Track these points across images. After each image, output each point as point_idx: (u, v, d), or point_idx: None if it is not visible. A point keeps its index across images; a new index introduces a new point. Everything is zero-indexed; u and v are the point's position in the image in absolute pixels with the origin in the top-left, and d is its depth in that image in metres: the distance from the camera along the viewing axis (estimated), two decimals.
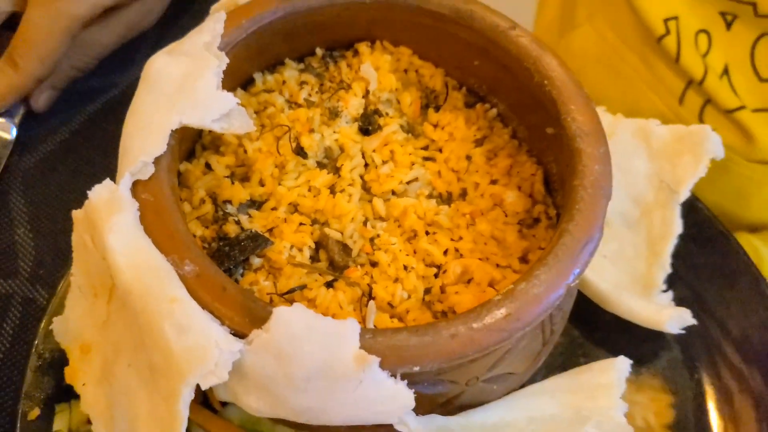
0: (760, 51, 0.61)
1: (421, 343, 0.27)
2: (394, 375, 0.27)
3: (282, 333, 0.27)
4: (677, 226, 0.43)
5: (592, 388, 0.34)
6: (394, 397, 0.27)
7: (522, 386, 0.34)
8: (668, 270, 0.42)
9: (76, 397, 0.33)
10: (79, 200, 0.30)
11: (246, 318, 0.27)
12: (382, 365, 0.27)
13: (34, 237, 0.43)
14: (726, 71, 0.63)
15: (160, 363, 0.27)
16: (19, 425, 0.35)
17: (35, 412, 0.35)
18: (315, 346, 0.27)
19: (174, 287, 0.27)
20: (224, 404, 0.34)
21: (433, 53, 0.39)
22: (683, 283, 0.43)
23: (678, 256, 0.43)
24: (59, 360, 0.36)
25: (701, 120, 0.66)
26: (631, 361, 0.35)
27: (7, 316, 0.41)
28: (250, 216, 0.34)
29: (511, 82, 0.36)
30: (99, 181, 0.29)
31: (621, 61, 0.70)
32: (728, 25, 0.62)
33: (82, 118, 0.49)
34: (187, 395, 0.27)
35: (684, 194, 0.44)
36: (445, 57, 0.38)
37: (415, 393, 0.28)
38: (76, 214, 0.30)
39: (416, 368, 0.27)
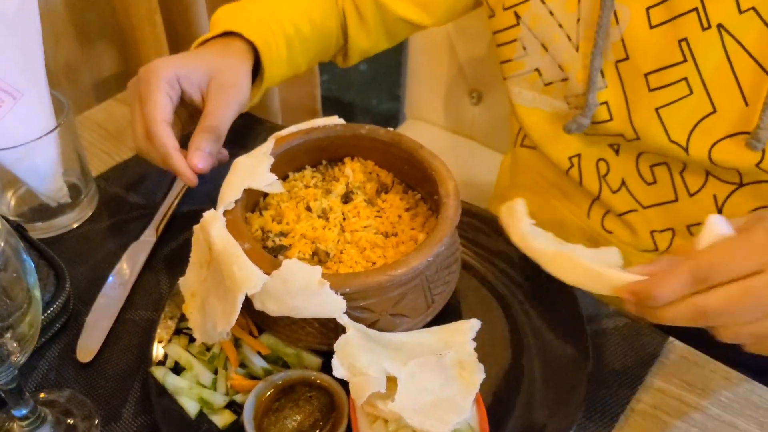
0: (641, 164, 0.77)
1: (350, 277, 0.57)
2: (336, 292, 0.56)
3: (286, 271, 0.57)
4: None
5: (455, 331, 0.61)
6: (336, 303, 0.55)
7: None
8: None
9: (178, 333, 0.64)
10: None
11: (270, 266, 0.57)
12: (331, 287, 0.56)
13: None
14: (623, 183, 0.79)
15: (229, 285, 0.57)
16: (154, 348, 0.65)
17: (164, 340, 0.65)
18: (299, 276, 0.56)
19: (239, 253, 0.58)
20: (260, 333, 0.63)
21: (385, 163, 0.71)
22: None
23: None
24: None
25: (602, 225, 0.84)
26: (480, 322, 0.62)
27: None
28: (281, 238, 0.65)
29: (419, 174, 0.67)
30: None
31: (548, 194, 0.89)
32: (616, 152, 0.79)
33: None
34: (241, 300, 0.56)
35: None
36: (390, 164, 0.71)
37: (350, 316, 0.57)
38: (196, 226, 0.62)
39: (348, 290, 0.56)
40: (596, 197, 0.83)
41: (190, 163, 0.67)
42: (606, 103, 0.73)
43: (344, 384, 0.58)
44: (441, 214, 0.61)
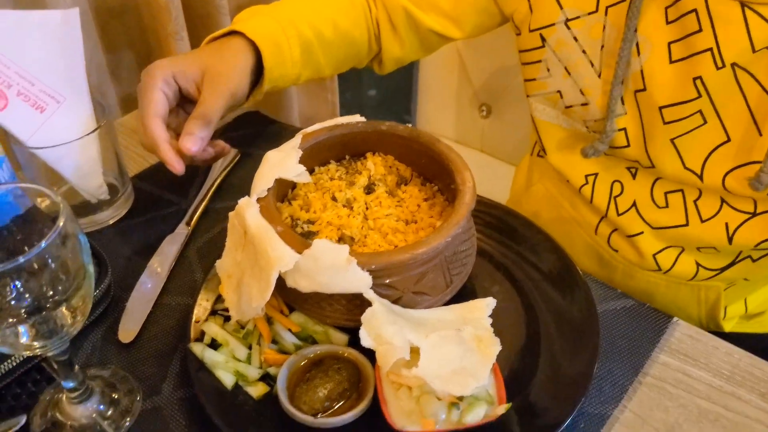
0: (656, 189, 0.79)
1: (375, 256, 0.61)
2: (363, 269, 0.61)
3: (316, 250, 0.61)
4: None
5: (473, 308, 0.65)
6: (363, 279, 0.59)
7: None
8: None
9: (213, 314, 0.69)
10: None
11: (301, 246, 0.62)
12: (357, 264, 0.60)
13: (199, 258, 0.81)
14: (634, 205, 0.81)
15: (263, 264, 0.62)
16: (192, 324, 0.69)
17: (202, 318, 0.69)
18: (328, 255, 0.61)
19: (272, 235, 0.63)
20: (291, 311, 0.68)
21: (404, 158, 0.76)
22: None
23: None
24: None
25: (609, 242, 0.87)
26: (495, 300, 0.67)
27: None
28: (308, 225, 0.70)
29: (436, 166, 0.72)
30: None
31: (559, 206, 0.92)
32: (633, 176, 0.81)
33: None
34: (275, 277, 0.60)
35: None
36: (409, 159, 0.76)
37: (375, 293, 0.61)
38: (231, 213, 0.67)
39: (373, 266, 0.61)
40: (604, 215, 0.86)
41: (183, 146, 0.71)
42: (624, 129, 0.76)
43: (370, 357, 0.62)
44: (458, 200, 0.65)
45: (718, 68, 0.66)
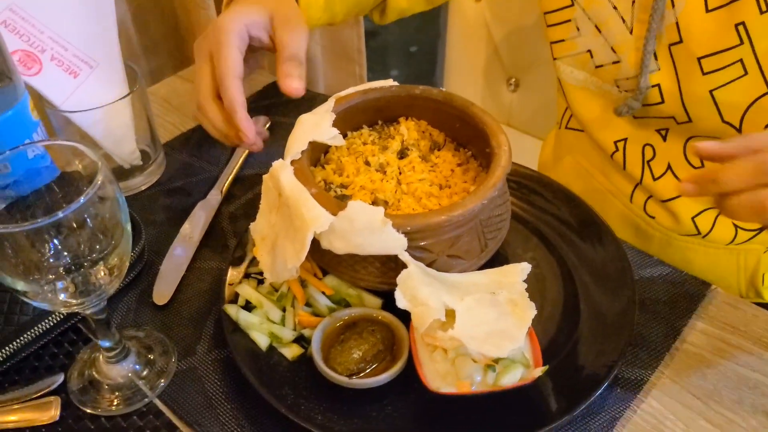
0: (689, 149, 0.78)
1: (411, 217, 0.61)
2: (398, 231, 0.60)
3: (351, 211, 0.61)
4: None
5: (507, 273, 0.65)
6: (398, 240, 0.59)
7: None
8: None
9: (246, 277, 0.69)
10: None
11: (335, 208, 0.61)
12: (393, 225, 0.60)
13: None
14: (669, 168, 0.80)
15: (298, 225, 0.61)
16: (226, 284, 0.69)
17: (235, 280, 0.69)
18: (364, 216, 0.60)
19: (307, 196, 0.62)
20: (324, 275, 0.68)
21: (437, 123, 0.75)
22: None
23: None
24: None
25: (645, 210, 0.85)
26: (530, 265, 0.66)
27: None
28: (342, 189, 0.70)
29: (470, 131, 0.71)
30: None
31: (591, 177, 0.92)
32: (664, 138, 0.80)
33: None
34: (310, 238, 0.60)
35: None
36: (442, 123, 0.75)
37: (410, 255, 0.61)
38: (266, 175, 0.66)
39: (408, 228, 0.60)
40: (638, 182, 0.84)
41: (289, 87, 0.69)
42: (658, 85, 0.74)
43: (404, 321, 0.62)
44: (494, 163, 0.65)
45: (761, 12, 0.65)
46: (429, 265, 0.63)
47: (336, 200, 0.62)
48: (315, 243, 0.60)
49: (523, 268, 0.65)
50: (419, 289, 0.59)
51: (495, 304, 0.61)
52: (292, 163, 0.65)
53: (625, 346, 0.61)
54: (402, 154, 0.73)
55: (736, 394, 0.61)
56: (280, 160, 0.65)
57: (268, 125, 0.95)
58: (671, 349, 0.65)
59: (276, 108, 0.98)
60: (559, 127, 0.98)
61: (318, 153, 0.73)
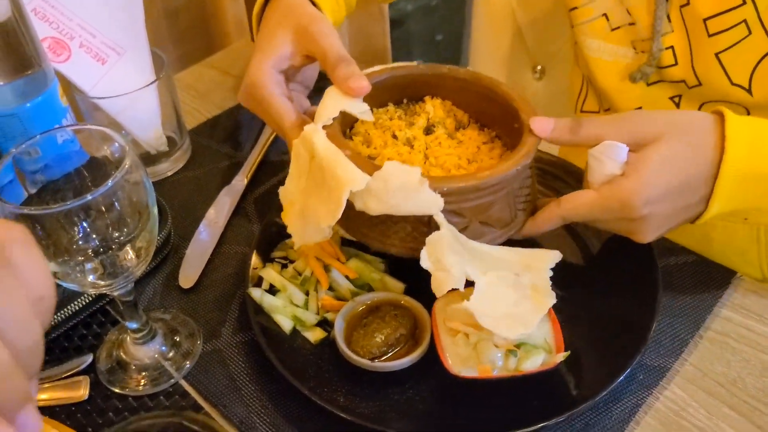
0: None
1: (446, 179, 0.60)
2: (435, 191, 0.58)
3: (387, 171, 0.58)
4: None
5: (536, 257, 0.64)
6: (435, 201, 0.57)
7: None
8: None
9: (270, 262, 0.70)
10: None
11: (370, 169, 0.59)
12: (429, 186, 0.58)
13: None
14: None
15: (333, 185, 0.58)
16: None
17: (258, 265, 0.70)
18: (400, 176, 0.56)
19: (342, 157, 0.59)
20: (348, 260, 0.68)
21: (462, 103, 0.75)
22: None
23: None
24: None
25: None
26: (561, 255, 0.66)
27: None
28: (370, 160, 0.69)
29: (497, 110, 0.70)
30: None
31: None
32: (677, 105, 0.79)
33: None
34: (345, 197, 0.55)
35: None
36: (467, 104, 0.75)
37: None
38: (296, 140, 0.65)
39: (444, 188, 0.59)
40: None
41: (357, 86, 0.66)
42: (672, 47, 0.75)
43: (426, 306, 0.62)
44: (526, 133, 0.64)
45: None
46: (461, 231, 0.61)
47: (370, 161, 0.61)
48: (345, 209, 0.58)
49: (552, 257, 0.64)
50: (446, 254, 0.57)
51: (517, 287, 0.60)
52: (324, 128, 0.63)
53: (648, 333, 0.61)
54: (428, 131, 0.73)
55: (760, 382, 0.61)
56: (311, 124, 0.63)
57: None
58: (695, 337, 0.65)
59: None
60: (575, 111, 0.97)
61: (344, 127, 0.73)
